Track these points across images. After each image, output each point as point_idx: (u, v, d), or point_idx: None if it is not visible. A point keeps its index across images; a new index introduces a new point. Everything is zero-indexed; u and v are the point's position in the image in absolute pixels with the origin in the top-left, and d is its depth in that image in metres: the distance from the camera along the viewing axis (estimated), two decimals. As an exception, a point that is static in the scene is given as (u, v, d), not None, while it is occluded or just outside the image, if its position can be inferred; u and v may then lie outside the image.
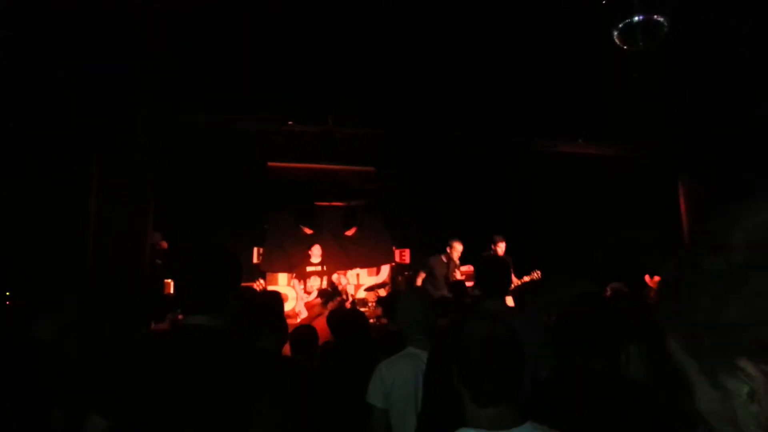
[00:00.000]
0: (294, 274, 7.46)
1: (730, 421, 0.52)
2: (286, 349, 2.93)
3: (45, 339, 3.07)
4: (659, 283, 0.66)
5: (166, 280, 6.43)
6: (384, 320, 5.35)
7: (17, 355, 2.90)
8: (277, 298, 2.83)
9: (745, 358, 0.50)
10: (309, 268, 7.30)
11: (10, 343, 3.06)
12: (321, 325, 3.85)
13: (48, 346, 3.01)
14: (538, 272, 6.88)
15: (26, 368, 2.81)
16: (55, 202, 4.92)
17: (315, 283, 7.17)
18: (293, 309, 7.31)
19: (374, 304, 6.92)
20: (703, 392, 0.56)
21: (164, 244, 6.49)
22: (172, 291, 6.31)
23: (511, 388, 1.45)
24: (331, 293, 5.39)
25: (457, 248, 7.12)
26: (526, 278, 6.94)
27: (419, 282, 7.27)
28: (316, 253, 7.37)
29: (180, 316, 3.53)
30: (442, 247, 7.26)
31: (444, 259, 7.12)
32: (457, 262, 7.13)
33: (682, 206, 6.84)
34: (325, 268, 7.33)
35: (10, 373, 2.73)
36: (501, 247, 7.23)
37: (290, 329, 3.11)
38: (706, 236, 0.58)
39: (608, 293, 4.88)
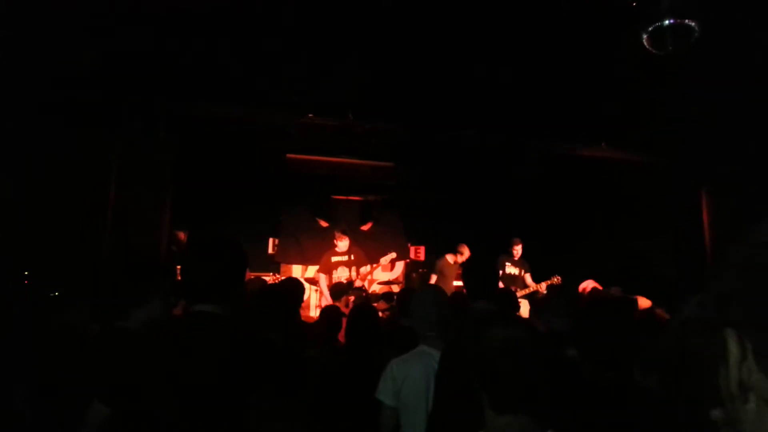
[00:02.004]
0: (318, 268, 6.99)
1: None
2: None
3: (73, 325, 3.10)
4: None
5: (178, 267, 6.48)
6: (387, 314, 5.32)
7: (33, 340, 2.93)
8: (292, 290, 2.83)
9: (730, 328, 0.54)
10: (335, 258, 6.86)
11: (27, 328, 3.09)
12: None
13: (75, 332, 3.04)
14: (558, 278, 6.80)
15: (42, 353, 2.84)
16: (74, 191, 4.99)
17: (343, 274, 6.75)
18: (307, 300, 7.32)
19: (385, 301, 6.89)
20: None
21: (182, 235, 6.51)
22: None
23: (531, 395, 1.40)
24: (344, 287, 5.36)
25: (464, 254, 7.10)
26: (545, 283, 6.88)
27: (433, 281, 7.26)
28: (341, 246, 6.89)
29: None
30: (457, 245, 7.25)
31: (450, 260, 7.11)
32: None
33: (705, 216, 6.72)
34: (352, 257, 6.90)
35: (23, 358, 2.76)
36: (518, 250, 7.19)
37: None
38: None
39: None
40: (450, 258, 7.17)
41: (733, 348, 0.53)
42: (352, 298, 6.27)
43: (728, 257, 0.58)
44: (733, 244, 0.59)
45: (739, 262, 0.56)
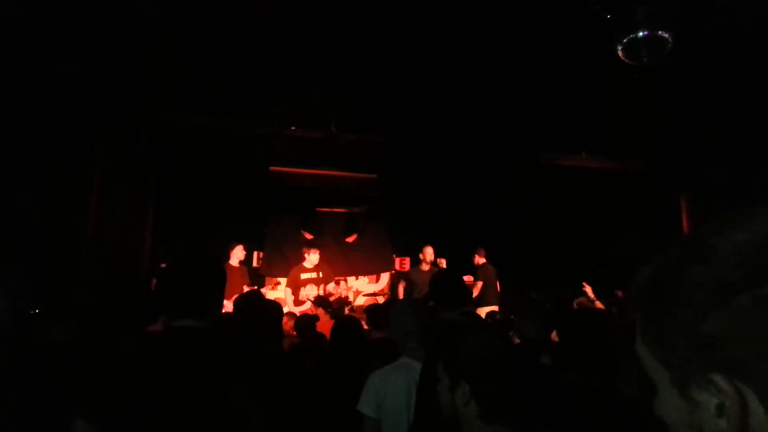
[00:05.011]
0: (286, 282, 6.89)
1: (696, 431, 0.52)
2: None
3: (59, 342, 3.06)
4: (631, 285, 0.63)
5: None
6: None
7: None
8: (275, 306, 2.82)
9: (719, 373, 0.49)
10: (304, 275, 6.76)
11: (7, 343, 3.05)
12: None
13: (61, 349, 3.00)
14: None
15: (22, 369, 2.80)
16: (55, 202, 4.93)
17: (311, 292, 6.63)
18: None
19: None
20: (669, 401, 0.55)
21: None
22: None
23: (518, 404, 1.43)
24: (326, 301, 5.35)
25: (428, 253, 7.08)
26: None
27: (400, 292, 7.22)
28: (312, 258, 6.80)
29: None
30: (443, 256, 7.24)
31: (423, 267, 7.07)
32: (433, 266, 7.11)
33: (684, 221, 6.81)
34: (321, 275, 6.83)
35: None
36: (480, 258, 7.27)
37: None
38: (693, 244, 0.56)
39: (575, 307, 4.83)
40: (421, 267, 7.13)
41: (731, 393, 0.49)
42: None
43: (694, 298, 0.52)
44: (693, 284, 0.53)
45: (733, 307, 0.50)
